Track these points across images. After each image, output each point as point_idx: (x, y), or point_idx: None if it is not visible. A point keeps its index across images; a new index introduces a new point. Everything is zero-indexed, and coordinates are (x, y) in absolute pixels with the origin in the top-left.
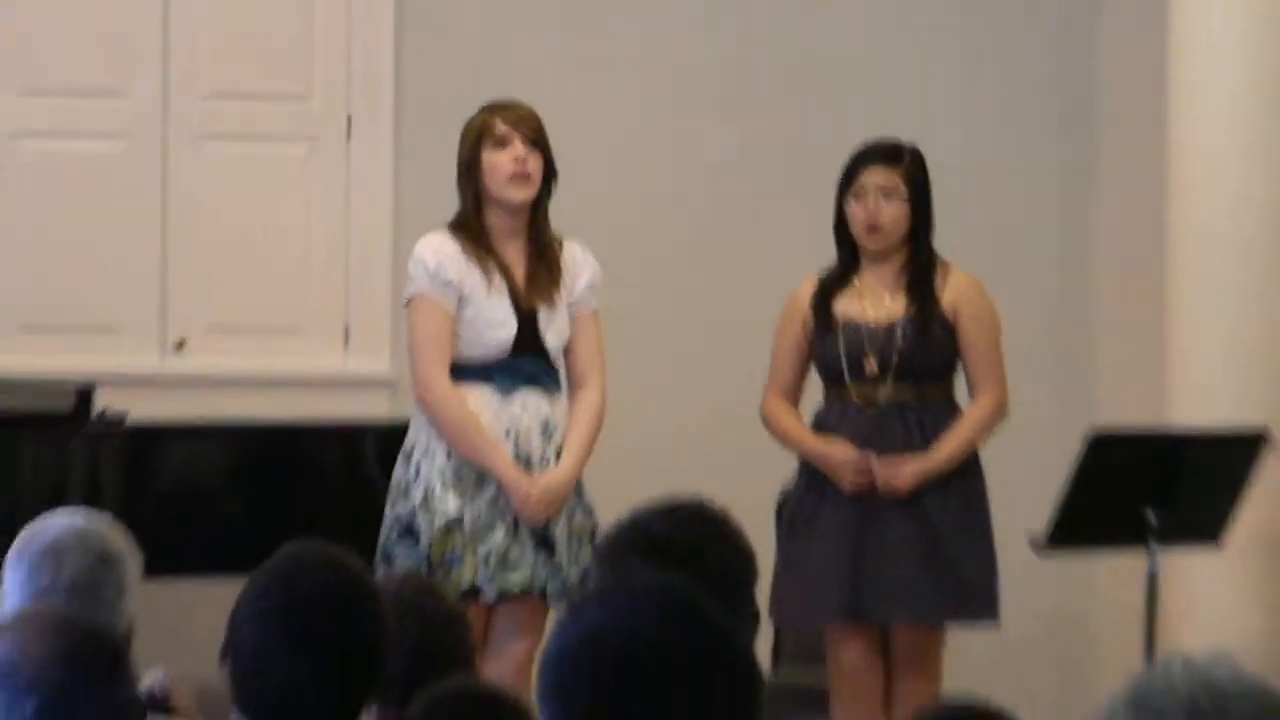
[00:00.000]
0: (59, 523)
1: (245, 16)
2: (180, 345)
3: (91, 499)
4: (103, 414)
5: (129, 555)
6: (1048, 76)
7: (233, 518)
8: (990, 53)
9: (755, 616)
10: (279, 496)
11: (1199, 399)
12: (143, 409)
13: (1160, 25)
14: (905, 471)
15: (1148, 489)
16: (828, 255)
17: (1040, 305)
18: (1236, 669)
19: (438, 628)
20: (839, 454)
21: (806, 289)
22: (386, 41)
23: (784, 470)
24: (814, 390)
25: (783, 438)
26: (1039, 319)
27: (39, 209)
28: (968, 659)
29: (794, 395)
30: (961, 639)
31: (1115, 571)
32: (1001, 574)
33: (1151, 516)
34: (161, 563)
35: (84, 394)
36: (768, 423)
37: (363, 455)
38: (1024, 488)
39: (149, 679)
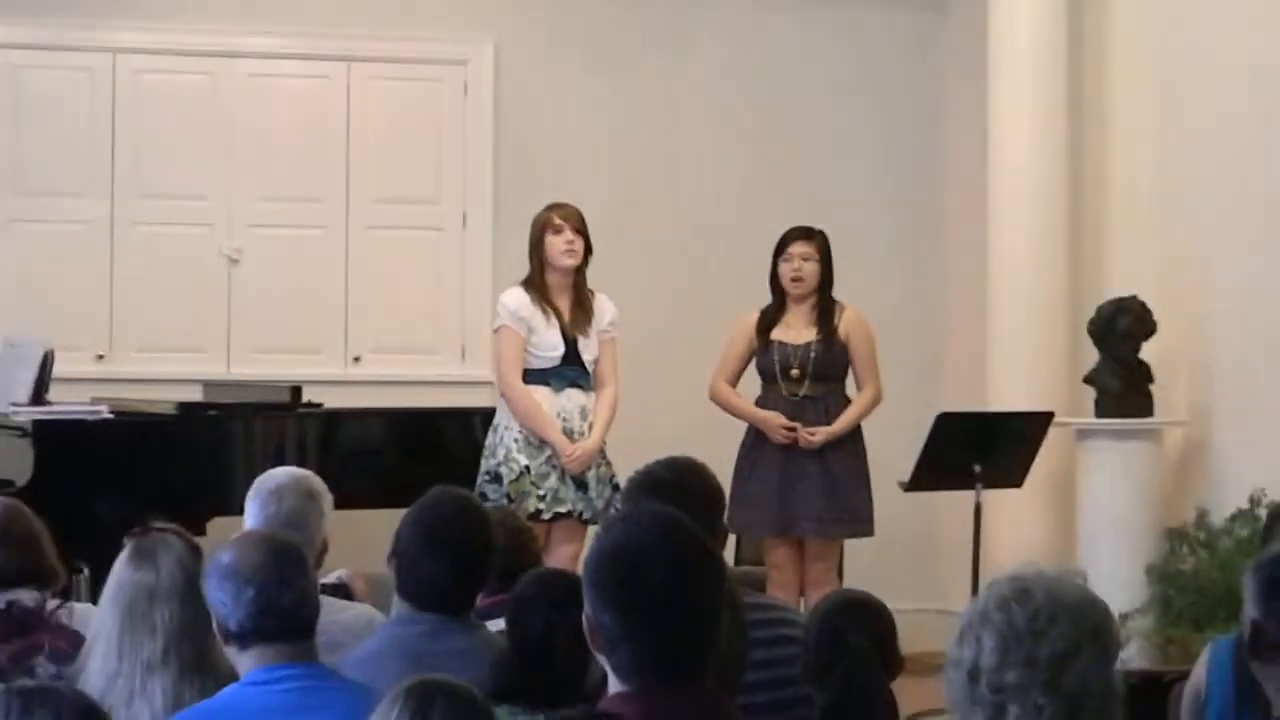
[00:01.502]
0: (280, 473)
1: (397, 149)
2: (357, 359)
3: (300, 457)
4: (307, 404)
5: (325, 494)
6: (904, 166)
7: (391, 469)
8: (874, 150)
9: (725, 532)
10: (419, 455)
11: (1008, 390)
12: (332, 401)
13: (983, 130)
14: (818, 434)
15: (975, 450)
16: (757, 295)
17: (904, 327)
18: (1040, 568)
19: (518, 538)
20: (775, 419)
21: (751, 318)
22: (488, 167)
23: (733, 440)
24: (746, 387)
25: (731, 409)
26: (904, 336)
27: (268, 274)
28: (858, 558)
29: (734, 383)
30: (853, 545)
31: (953, 503)
32: (878, 503)
33: (977, 468)
34: (346, 499)
35: (295, 391)
36: (717, 398)
37: (472, 429)
38: (894, 447)
39: (336, 574)
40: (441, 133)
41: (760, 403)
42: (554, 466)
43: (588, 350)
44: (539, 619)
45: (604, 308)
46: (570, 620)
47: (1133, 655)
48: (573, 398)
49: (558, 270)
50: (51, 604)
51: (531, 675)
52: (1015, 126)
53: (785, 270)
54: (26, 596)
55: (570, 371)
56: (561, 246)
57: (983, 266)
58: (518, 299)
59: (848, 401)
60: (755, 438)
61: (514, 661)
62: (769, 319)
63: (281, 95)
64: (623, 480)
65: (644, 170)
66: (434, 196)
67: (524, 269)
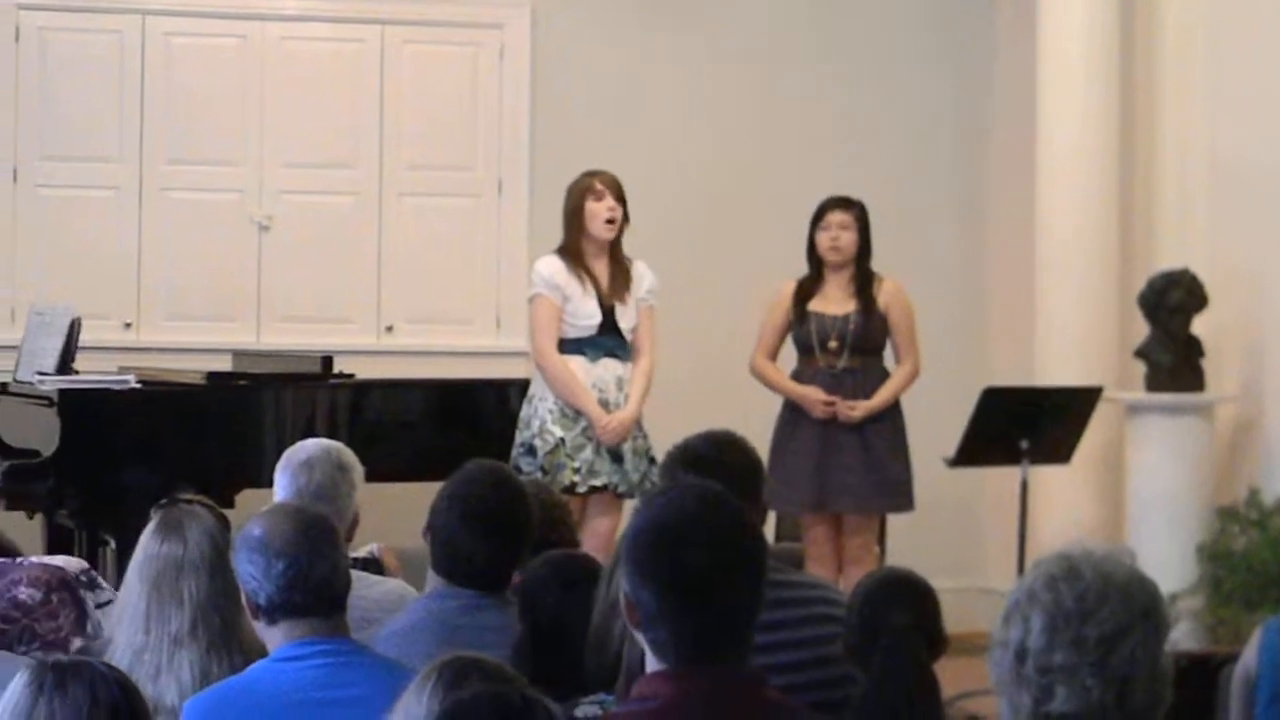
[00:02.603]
0: (311, 444)
1: (431, 115)
2: (389, 329)
3: (331, 429)
4: (339, 374)
5: (356, 467)
6: (950, 136)
7: (423, 442)
8: (915, 125)
9: (765, 507)
10: (453, 427)
11: (1056, 365)
12: (364, 371)
13: (1032, 101)
14: (858, 409)
15: (1021, 425)
16: (794, 265)
17: (948, 300)
18: (1090, 548)
19: (551, 512)
20: (814, 394)
21: (788, 288)
22: (524, 133)
23: (772, 411)
24: (786, 360)
25: (770, 384)
26: (948, 310)
27: (299, 242)
28: (900, 535)
29: (773, 357)
30: (895, 522)
31: (998, 480)
32: (921, 479)
33: (1024, 444)
34: (377, 472)
35: (326, 361)
36: (757, 373)
37: (508, 401)
38: (938, 422)
39: (368, 548)
40: (477, 98)
41: (797, 376)
42: (589, 438)
43: (625, 319)
44: (551, 600)
45: (642, 275)
46: (582, 600)
47: (1182, 636)
48: (609, 368)
49: (595, 239)
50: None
51: (546, 659)
52: (1065, 96)
53: (823, 239)
54: None
55: (607, 341)
56: (603, 214)
57: (1030, 238)
58: (553, 266)
59: (886, 375)
60: (792, 412)
61: (528, 646)
62: (806, 290)
63: (314, 59)
64: (659, 454)
65: (682, 136)
66: (469, 163)
67: (558, 236)
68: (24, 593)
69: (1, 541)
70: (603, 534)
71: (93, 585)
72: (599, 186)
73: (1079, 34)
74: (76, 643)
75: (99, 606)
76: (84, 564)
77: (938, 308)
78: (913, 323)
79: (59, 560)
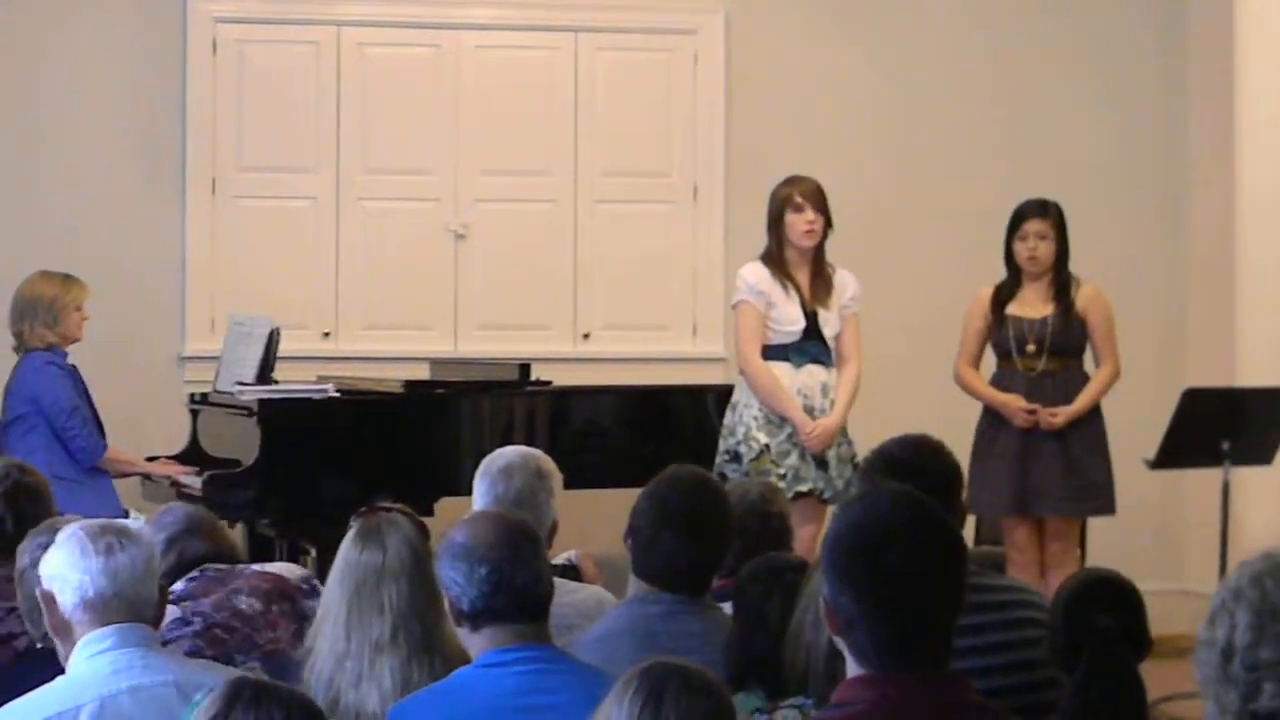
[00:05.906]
0: (509, 451)
1: (626, 121)
2: (586, 336)
3: (529, 436)
4: (536, 381)
5: (555, 473)
6: (1148, 135)
7: (620, 448)
8: (1114, 115)
9: (962, 510)
10: (651, 434)
11: (1257, 366)
12: (561, 378)
13: (1230, 101)
14: (1059, 415)
15: (1223, 427)
16: (995, 267)
17: (1148, 301)
18: None
19: (769, 518)
20: (1015, 402)
21: (986, 294)
22: (719, 138)
23: (972, 416)
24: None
25: (972, 391)
26: (1148, 311)
27: (495, 250)
28: (1101, 538)
29: (976, 364)
30: (1096, 525)
31: (1199, 482)
32: (1122, 482)
33: (1225, 445)
34: (575, 478)
35: (524, 368)
36: (961, 382)
37: (705, 407)
38: (1139, 424)
39: (566, 555)
40: (671, 104)
41: (996, 380)
42: (794, 444)
43: (828, 325)
44: (759, 589)
45: (845, 283)
46: (790, 589)
47: None
48: (813, 374)
49: (797, 247)
50: None
51: (758, 658)
52: (1263, 94)
53: (1020, 250)
54: None
55: (811, 347)
56: (802, 226)
57: (1229, 238)
58: (757, 273)
59: (1085, 378)
60: (993, 417)
61: (740, 644)
62: (1004, 294)
63: (508, 67)
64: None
65: (878, 139)
66: (664, 169)
67: (755, 242)
68: (245, 602)
69: (222, 546)
70: (806, 540)
71: (314, 593)
72: (798, 199)
73: (1276, 32)
74: (293, 655)
75: None
76: (305, 571)
77: (1137, 309)
78: (1112, 325)
79: (279, 567)
